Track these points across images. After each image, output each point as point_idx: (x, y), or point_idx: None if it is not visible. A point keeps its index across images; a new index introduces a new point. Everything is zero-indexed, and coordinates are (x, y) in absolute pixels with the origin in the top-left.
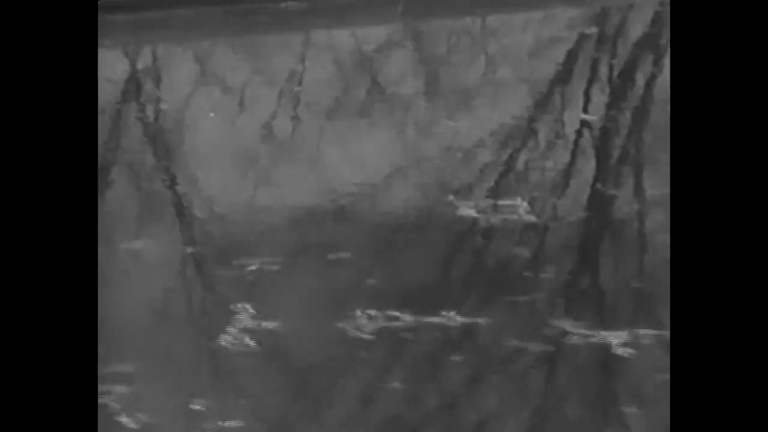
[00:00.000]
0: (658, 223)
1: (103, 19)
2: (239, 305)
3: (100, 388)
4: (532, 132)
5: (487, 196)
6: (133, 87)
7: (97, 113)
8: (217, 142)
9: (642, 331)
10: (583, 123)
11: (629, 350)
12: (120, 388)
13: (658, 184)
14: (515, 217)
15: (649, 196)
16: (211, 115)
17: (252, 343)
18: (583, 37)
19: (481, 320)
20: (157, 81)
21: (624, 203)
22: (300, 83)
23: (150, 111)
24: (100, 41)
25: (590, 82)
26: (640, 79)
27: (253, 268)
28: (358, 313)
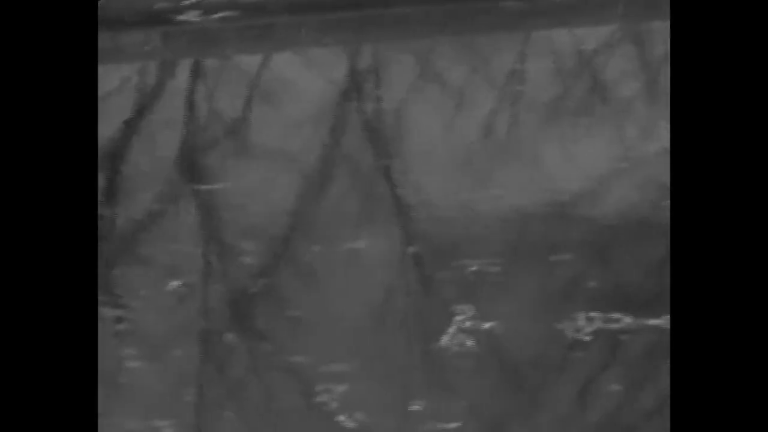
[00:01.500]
0: None
1: (324, 18)
2: (459, 306)
3: (318, 387)
4: None
5: None
6: (353, 86)
7: (96, 114)
8: (436, 142)
9: None
10: None
11: None
12: (338, 388)
13: None
14: None
15: None
16: None
17: (470, 343)
18: None
19: None
20: (377, 80)
21: None
22: (519, 83)
23: (370, 110)
24: (321, 40)
25: None
26: None
27: (473, 269)
28: (580, 315)
